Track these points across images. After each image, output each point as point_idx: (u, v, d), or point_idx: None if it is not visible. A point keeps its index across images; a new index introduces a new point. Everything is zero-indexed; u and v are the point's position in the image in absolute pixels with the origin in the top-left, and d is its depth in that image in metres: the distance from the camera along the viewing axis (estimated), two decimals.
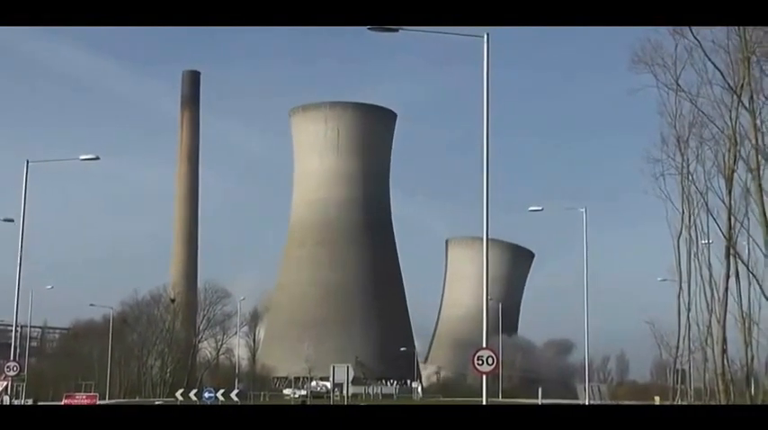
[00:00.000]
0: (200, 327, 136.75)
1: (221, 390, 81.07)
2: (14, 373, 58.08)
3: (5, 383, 65.13)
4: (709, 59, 50.27)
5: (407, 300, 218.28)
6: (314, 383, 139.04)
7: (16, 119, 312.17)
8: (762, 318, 53.33)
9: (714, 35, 49.60)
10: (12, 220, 56.58)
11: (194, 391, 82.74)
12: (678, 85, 55.19)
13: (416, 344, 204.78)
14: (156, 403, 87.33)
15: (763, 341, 54.31)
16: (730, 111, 50.45)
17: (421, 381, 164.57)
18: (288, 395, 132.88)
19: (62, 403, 67.08)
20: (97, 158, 52.55)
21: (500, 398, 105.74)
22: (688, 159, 57.74)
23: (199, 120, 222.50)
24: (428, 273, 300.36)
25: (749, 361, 51.91)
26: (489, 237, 33.25)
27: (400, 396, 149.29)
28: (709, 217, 56.45)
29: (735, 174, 51.63)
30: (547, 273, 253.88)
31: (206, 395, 78.77)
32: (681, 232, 59.85)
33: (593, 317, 65.14)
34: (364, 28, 29.14)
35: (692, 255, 59.60)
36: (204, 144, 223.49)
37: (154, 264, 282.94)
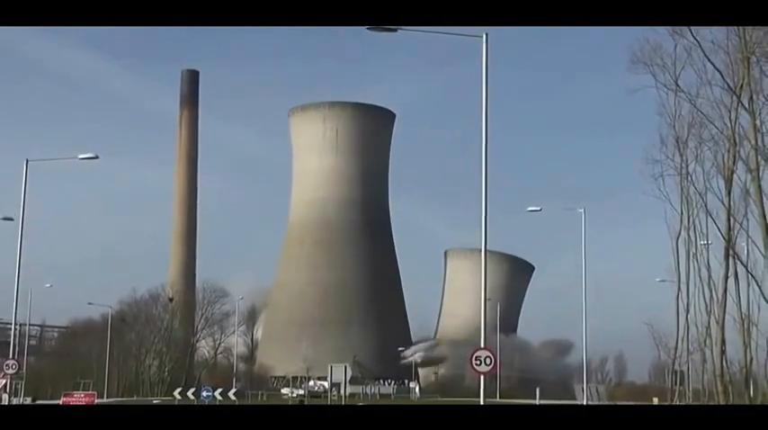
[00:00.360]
0: (199, 327, 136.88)
1: (219, 389, 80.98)
2: (13, 371, 58.17)
3: (4, 381, 65.16)
4: (709, 60, 50.26)
5: (406, 300, 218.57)
6: (311, 383, 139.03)
7: (15, 118, 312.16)
8: (761, 319, 53.31)
9: (713, 35, 49.60)
10: (11, 219, 56.65)
11: (192, 390, 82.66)
12: (677, 85, 55.16)
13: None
14: (154, 402, 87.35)
15: (763, 342, 54.26)
16: (730, 111, 50.40)
17: (419, 381, 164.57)
18: (285, 394, 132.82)
19: (60, 402, 66.95)
20: (96, 157, 52.60)
21: (498, 399, 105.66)
22: (687, 160, 57.70)
23: (198, 120, 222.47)
24: (427, 273, 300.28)
25: (748, 362, 51.81)
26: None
27: (398, 396, 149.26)
28: (709, 218, 56.40)
29: (734, 175, 51.57)
30: (545, 273, 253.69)
31: (204, 394, 78.70)
32: (680, 233, 59.82)
33: (592, 317, 65.23)
34: (363, 28, 29.16)
35: (691, 256, 59.54)
36: (203, 143, 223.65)
37: (152, 264, 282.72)
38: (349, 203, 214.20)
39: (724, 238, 52.14)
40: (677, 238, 60.12)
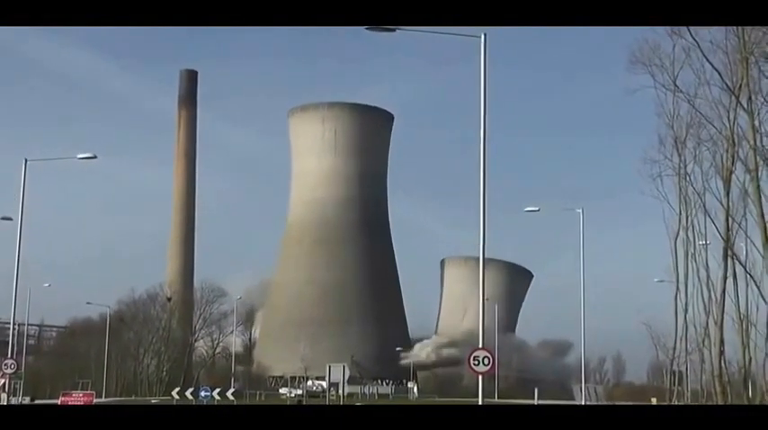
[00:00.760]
0: (197, 326, 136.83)
1: (217, 389, 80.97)
2: (12, 371, 58.15)
3: (3, 381, 65.17)
4: (708, 60, 50.25)
5: (404, 300, 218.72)
6: (310, 382, 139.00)
7: (14, 118, 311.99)
8: (759, 319, 53.25)
9: (712, 35, 49.58)
10: (10, 219, 56.59)
11: (190, 390, 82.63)
12: (676, 85, 55.14)
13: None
14: (153, 402, 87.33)
15: (761, 343, 54.22)
16: (728, 111, 50.40)
17: (417, 381, 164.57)
18: (284, 394, 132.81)
19: (59, 401, 66.94)
20: (94, 157, 52.59)
21: (496, 399, 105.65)
22: (686, 160, 57.69)
23: (196, 120, 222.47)
24: (425, 273, 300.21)
25: (747, 363, 51.79)
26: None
27: (396, 396, 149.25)
28: (707, 218, 56.37)
29: (733, 176, 51.58)
30: (544, 274, 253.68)
31: (202, 394, 78.69)
32: (678, 233, 59.81)
33: (591, 317, 65.10)
34: (362, 28, 29.16)
35: (690, 257, 59.52)
36: (201, 143, 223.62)
37: (150, 263, 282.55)
38: (348, 203, 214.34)
39: (722, 239, 52.15)
40: (676, 239, 60.14)
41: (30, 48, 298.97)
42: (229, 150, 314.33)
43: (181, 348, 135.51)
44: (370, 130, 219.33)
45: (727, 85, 49.63)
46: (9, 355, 61.46)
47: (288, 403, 79.64)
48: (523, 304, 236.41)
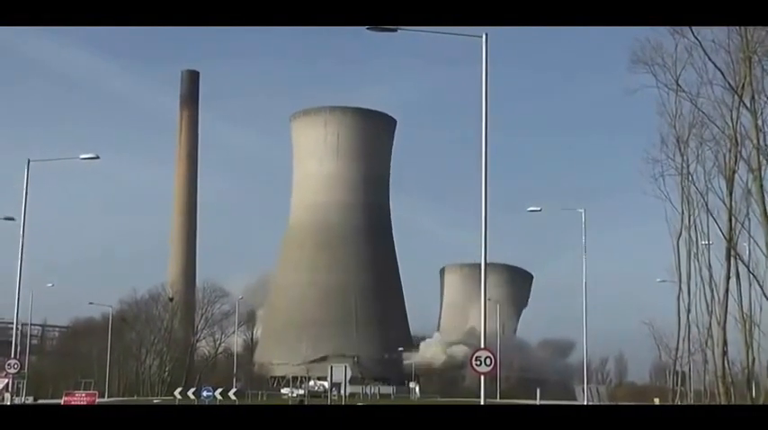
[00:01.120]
0: (199, 326, 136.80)
1: (219, 389, 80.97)
2: (15, 371, 58.15)
3: (6, 381, 65.16)
4: (710, 59, 50.13)
5: (406, 301, 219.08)
6: (311, 383, 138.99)
7: (16, 118, 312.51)
8: (763, 319, 53.23)
9: (714, 35, 49.47)
10: (13, 219, 56.61)
11: (192, 390, 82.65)
12: (678, 84, 55.03)
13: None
14: (155, 402, 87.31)
15: (764, 343, 54.18)
16: (731, 111, 50.31)
17: (419, 382, 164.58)
18: (286, 394, 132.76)
19: (62, 401, 66.98)
20: (97, 158, 52.59)
21: (498, 399, 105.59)
22: (688, 160, 57.61)
23: (198, 120, 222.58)
24: (427, 275, 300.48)
25: (750, 363, 51.72)
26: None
27: (398, 396, 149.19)
28: (710, 218, 56.32)
29: (736, 175, 51.49)
30: (546, 274, 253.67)
31: (204, 394, 78.71)
32: (680, 233, 59.72)
33: (593, 317, 65.05)
34: (362, 28, 29.08)
35: (692, 256, 59.46)
36: (203, 143, 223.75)
37: (152, 263, 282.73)
38: (350, 208, 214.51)
39: (725, 238, 52.04)
40: (678, 238, 60.05)
41: (31, 48, 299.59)
42: (230, 151, 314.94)
43: (183, 348, 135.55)
44: (373, 135, 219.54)
45: (729, 84, 49.55)
46: (12, 355, 61.45)
47: (290, 403, 79.60)
48: (525, 307, 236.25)
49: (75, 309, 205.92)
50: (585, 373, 72.05)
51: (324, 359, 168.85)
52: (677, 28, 50.77)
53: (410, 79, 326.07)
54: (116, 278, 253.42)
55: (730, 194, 51.74)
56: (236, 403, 74.31)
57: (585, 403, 67.42)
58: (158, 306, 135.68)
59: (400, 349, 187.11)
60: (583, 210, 64.15)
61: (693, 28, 48.90)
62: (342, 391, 73.13)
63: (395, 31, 31.30)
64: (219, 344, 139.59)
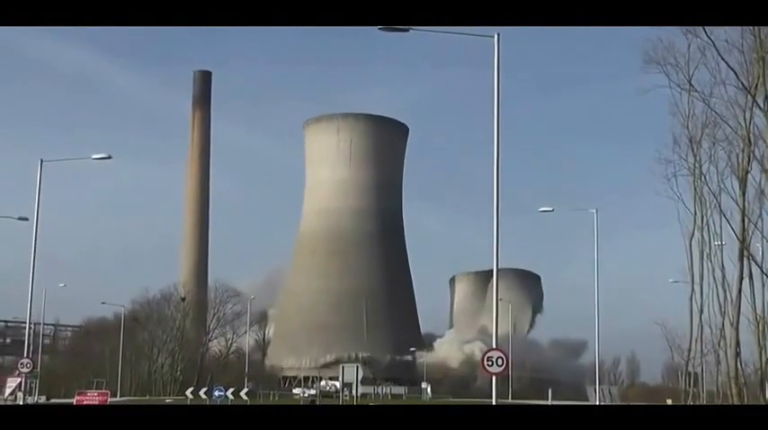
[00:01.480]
0: (211, 326, 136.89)
1: (231, 389, 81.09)
2: (28, 370, 58.34)
3: (19, 380, 65.42)
4: (723, 59, 49.97)
5: (417, 303, 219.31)
6: (323, 383, 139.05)
7: (29, 119, 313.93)
8: None
9: (728, 34, 49.31)
10: (26, 219, 56.81)
11: (204, 390, 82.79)
12: (691, 84, 54.89)
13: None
14: (167, 401, 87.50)
15: None
16: (744, 111, 50.15)
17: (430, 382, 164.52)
18: (297, 394, 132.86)
19: (74, 401, 67.21)
20: (109, 158, 52.68)
21: (510, 400, 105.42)
22: (701, 160, 57.47)
23: (210, 120, 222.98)
24: (438, 276, 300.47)
25: (763, 364, 51.50)
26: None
27: (409, 396, 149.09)
28: (723, 218, 56.12)
29: (749, 175, 51.33)
30: (558, 275, 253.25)
31: (216, 393, 78.85)
32: (693, 233, 59.57)
33: (605, 318, 64.90)
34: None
35: (705, 257, 59.30)
36: (215, 144, 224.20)
37: (164, 263, 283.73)
38: (362, 213, 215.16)
39: (738, 239, 51.87)
40: (691, 239, 59.90)
41: (41, 48, 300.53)
42: (242, 151, 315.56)
43: (195, 348, 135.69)
44: (385, 141, 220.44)
45: (743, 84, 49.38)
46: (25, 355, 61.69)
47: (301, 403, 79.66)
48: (540, 309, 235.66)
49: (87, 309, 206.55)
50: (597, 374, 71.87)
51: (335, 363, 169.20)
52: (690, 28, 50.65)
53: (416, 81, 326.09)
54: (128, 278, 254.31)
55: (743, 195, 51.57)
56: (248, 403, 74.39)
57: (597, 403, 67.24)
58: (170, 306, 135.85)
59: (412, 349, 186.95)
60: (595, 211, 64.03)
61: (706, 28, 48.76)
62: (353, 391, 73.08)
63: (407, 31, 31.25)
64: (231, 343, 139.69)
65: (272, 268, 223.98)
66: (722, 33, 49.31)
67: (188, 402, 75.92)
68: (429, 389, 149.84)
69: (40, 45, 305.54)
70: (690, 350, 63.42)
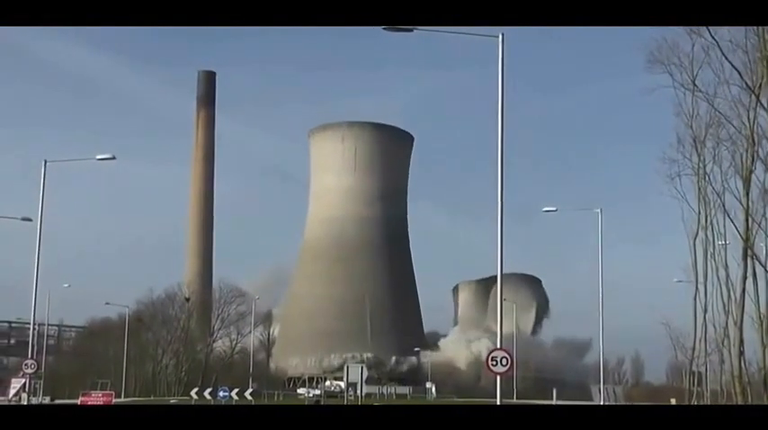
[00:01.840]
0: (215, 327, 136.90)
1: (236, 390, 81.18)
2: (32, 371, 58.37)
3: (23, 381, 65.47)
4: (727, 59, 50.01)
5: (421, 305, 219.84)
6: (328, 383, 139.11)
7: (33, 119, 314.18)
8: None
9: (731, 35, 49.34)
10: (30, 220, 56.82)
11: (209, 390, 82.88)
12: (695, 84, 54.93)
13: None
14: (171, 402, 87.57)
15: None
16: (748, 111, 50.17)
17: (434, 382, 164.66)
18: (302, 395, 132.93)
19: (78, 401, 67.28)
20: (113, 158, 52.73)
21: (514, 400, 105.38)
22: (705, 160, 57.49)
23: (214, 121, 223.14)
24: (442, 280, 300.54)
25: (767, 363, 51.49)
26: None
27: (414, 396, 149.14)
28: (726, 218, 56.12)
29: (752, 175, 51.33)
30: (562, 274, 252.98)
31: (221, 394, 78.97)
32: (697, 233, 59.61)
33: (609, 318, 64.76)
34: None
35: (709, 256, 59.31)
36: (219, 144, 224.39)
37: (169, 263, 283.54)
38: (367, 221, 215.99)
39: (742, 238, 51.87)
40: (695, 238, 59.92)
41: (42, 48, 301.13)
42: (246, 151, 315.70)
43: (199, 348, 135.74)
44: (390, 149, 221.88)
45: (746, 83, 49.37)
46: (29, 355, 61.76)
47: (306, 403, 79.69)
48: (539, 309, 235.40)
49: (91, 310, 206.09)
50: (602, 373, 71.78)
51: (339, 369, 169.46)
52: (694, 28, 50.67)
53: (419, 83, 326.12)
54: (133, 278, 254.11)
55: (747, 194, 51.58)
56: (253, 403, 74.43)
57: (602, 403, 67.20)
58: (175, 306, 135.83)
59: (416, 349, 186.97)
60: (599, 210, 63.94)
61: (710, 28, 48.75)
62: (358, 391, 73.14)
63: (410, 31, 31.24)
64: (236, 344, 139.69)
65: (276, 266, 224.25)
66: (726, 33, 49.35)
67: (192, 403, 75.99)
68: (434, 389, 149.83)
69: (44, 45, 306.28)
70: (694, 349, 63.47)
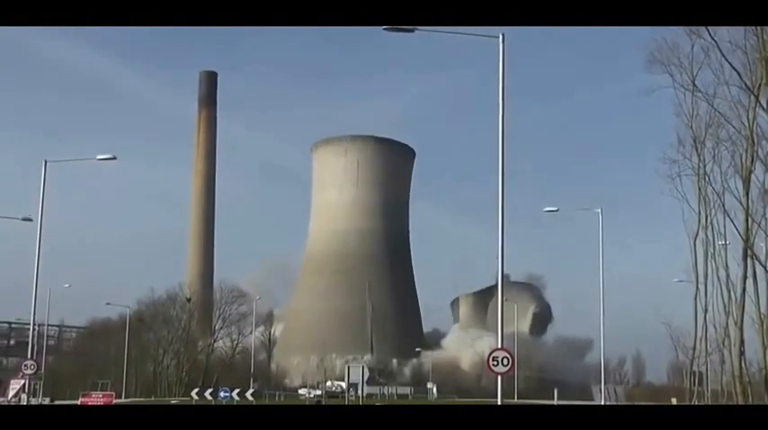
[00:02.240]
0: (216, 327, 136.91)
1: (237, 390, 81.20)
2: (32, 372, 58.32)
3: (23, 381, 65.42)
4: (726, 60, 50.06)
5: (421, 307, 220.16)
6: (329, 383, 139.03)
7: (35, 119, 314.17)
8: None
9: (731, 35, 49.40)
10: (30, 220, 56.81)
11: (210, 391, 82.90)
12: (695, 85, 54.98)
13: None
14: (172, 402, 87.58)
15: None
16: (747, 111, 50.22)
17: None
18: (303, 395, 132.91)
19: (79, 402, 67.27)
20: (114, 158, 52.73)
21: (515, 400, 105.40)
22: (705, 160, 57.52)
23: (216, 121, 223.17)
24: (443, 278, 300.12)
25: (767, 363, 51.51)
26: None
27: (415, 396, 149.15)
28: (727, 218, 56.16)
29: (752, 175, 51.37)
30: (563, 274, 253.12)
31: (221, 394, 79.00)
32: (697, 233, 59.64)
33: (610, 318, 64.78)
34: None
35: (709, 256, 59.33)
36: (220, 144, 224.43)
37: (170, 264, 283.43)
38: (369, 235, 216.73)
39: (742, 238, 51.90)
40: (695, 238, 59.94)
41: (45, 49, 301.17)
42: (247, 151, 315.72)
43: (200, 349, 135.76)
44: (392, 163, 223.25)
45: (746, 84, 49.43)
46: (29, 356, 61.78)
47: (307, 404, 79.70)
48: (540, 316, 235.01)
49: (92, 310, 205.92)
50: (603, 374, 71.75)
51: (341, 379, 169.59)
52: (694, 29, 50.73)
53: (420, 85, 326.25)
54: (133, 278, 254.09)
55: (747, 194, 51.62)
56: (254, 403, 74.44)
57: (603, 403, 67.19)
58: (176, 306, 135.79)
59: (417, 349, 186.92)
60: (600, 210, 63.94)
61: (710, 29, 48.82)
62: (359, 392, 73.15)
63: (412, 31, 31.23)
64: (237, 344, 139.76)
65: (277, 266, 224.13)
66: (725, 34, 49.42)
67: (193, 403, 75.99)
68: (435, 389, 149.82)
69: (46, 46, 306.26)
70: (694, 349, 63.48)
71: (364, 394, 75.65)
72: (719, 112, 53.66)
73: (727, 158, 55.51)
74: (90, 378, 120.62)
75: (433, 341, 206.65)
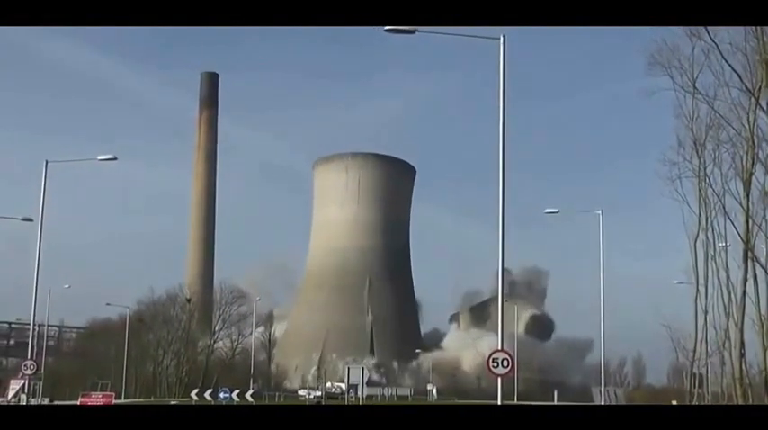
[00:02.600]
0: (216, 327, 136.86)
1: (236, 391, 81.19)
2: (31, 372, 58.32)
3: (23, 382, 65.42)
4: (727, 62, 50.00)
5: (424, 313, 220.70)
6: (329, 384, 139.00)
7: (35, 119, 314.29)
8: None
9: (731, 37, 49.39)
10: (30, 220, 56.81)
11: (209, 391, 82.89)
12: (695, 87, 54.94)
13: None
14: (172, 403, 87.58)
15: None
16: (748, 113, 50.18)
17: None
18: (303, 396, 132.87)
19: (78, 402, 67.26)
20: (115, 159, 52.74)
21: (515, 400, 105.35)
22: (705, 162, 57.46)
23: (217, 122, 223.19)
24: (444, 278, 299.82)
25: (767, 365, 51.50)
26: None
27: (415, 397, 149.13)
28: (727, 220, 56.13)
29: (752, 177, 51.33)
30: (564, 276, 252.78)
31: (221, 395, 79.04)
32: (698, 235, 59.57)
33: (610, 320, 64.75)
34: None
35: (710, 258, 59.29)
36: (221, 145, 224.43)
37: (170, 264, 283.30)
38: (370, 252, 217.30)
39: (742, 240, 51.86)
40: (695, 240, 59.88)
41: (45, 50, 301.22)
42: (247, 153, 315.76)
43: (200, 349, 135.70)
44: (393, 181, 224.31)
45: (746, 86, 49.41)
46: (29, 356, 61.76)
47: (307, 404, 79.69)
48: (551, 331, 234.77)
49: (92, 310, 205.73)
50: (603, 375, 71.72)
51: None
52: (694, 30, 50.72)
53: (421, 86, 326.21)
54: (133, 279, 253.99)
55: (747, 196, 51.58)
56: (253, 404, 74.44)
57: (602, 404, 67.13)
58: (176, 307, 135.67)
59: (417, 351, 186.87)
60: (600, 212, 63.94)
61: (710, 30, 48.82)
62: (359, 393, 73.15)
63: (413, 32, 31.23)
64: (237, 345, 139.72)
65: (276, 265, 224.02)
66: (726, 36, 49.41)
67: (193, 404, 75.98)
68: (435, 391, 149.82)
69: (47, 46, 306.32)
70: (695, 351, 63.40)
71: (364, 395, 75.63)
72: (720, 114, 53.68)
73: (727, 160, 55.52)
74: (90, 378, 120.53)
75: (433, 341, 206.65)
